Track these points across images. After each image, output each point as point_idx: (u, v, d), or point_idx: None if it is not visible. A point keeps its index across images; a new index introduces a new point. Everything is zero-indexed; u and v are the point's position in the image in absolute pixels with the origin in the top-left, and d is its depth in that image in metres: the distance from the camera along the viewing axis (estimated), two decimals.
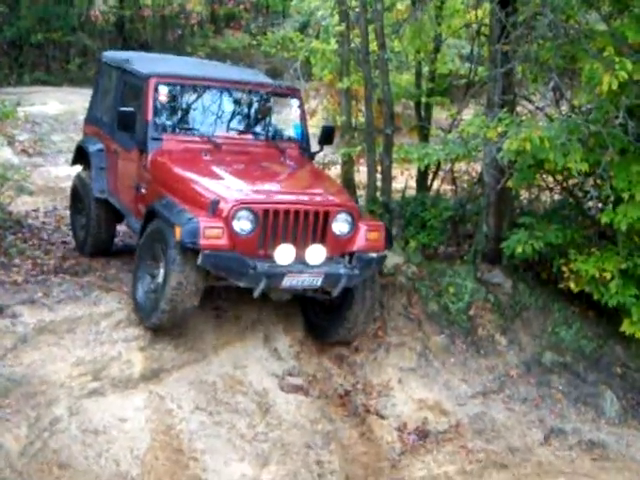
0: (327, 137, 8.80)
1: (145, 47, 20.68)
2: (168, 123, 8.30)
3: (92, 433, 6.78)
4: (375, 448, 7.36)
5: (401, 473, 7.15)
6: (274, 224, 7.20)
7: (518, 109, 9.36)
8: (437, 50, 10.67)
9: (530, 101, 9.43)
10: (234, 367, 7.67)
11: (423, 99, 10.36)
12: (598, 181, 8.63)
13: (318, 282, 7.38)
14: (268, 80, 9.29)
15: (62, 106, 17.05)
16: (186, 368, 7.50)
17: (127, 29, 22.37)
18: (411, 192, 10.53)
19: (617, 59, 7.16)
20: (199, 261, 7.07)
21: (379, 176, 9.82)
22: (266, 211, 7.18)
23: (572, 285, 8.58)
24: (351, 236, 7.50)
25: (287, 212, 7.22)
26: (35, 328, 7.45)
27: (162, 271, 7.41)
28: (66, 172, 12.85)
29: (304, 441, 7.24)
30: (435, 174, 10.48)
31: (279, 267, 7.22)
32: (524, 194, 10.02)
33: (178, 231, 7.05)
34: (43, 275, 8.60)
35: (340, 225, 7.46)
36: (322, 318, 8.18)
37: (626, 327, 8.41)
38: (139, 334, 7.71)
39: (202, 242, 7.00)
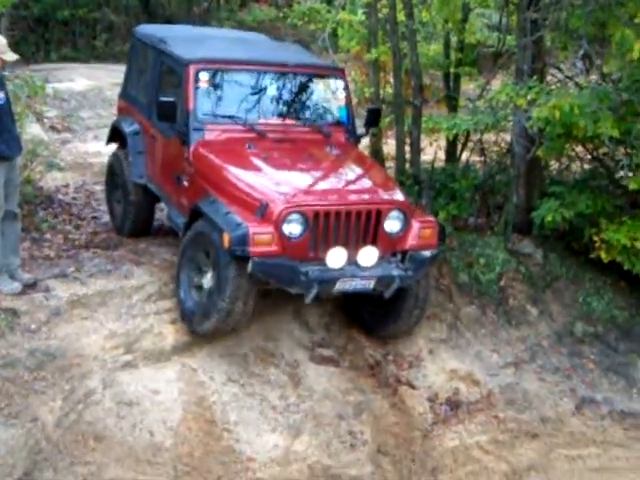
0: (373, 120, 8.54)
1: (170, 21, 20.62)
2: (210, 111, 7.90)
3: (126, 405, 6.84)
4: (407, 418, 7.37)
5: (433, 443, 7.16)
6: (325, 226, 6.95)
7: (547, 78, 9.27)
8: (465, 20, 10.52)
9: (560, 70, 9.34)
10: (265, 340, 7.69)
11: (451, 69, 10.29)
12: (628, 150, 8.59)
13: (371, 285, 7.16)
14: (313, 59, 9.02)
15: (89, 82, 17.06)
16: (218, 341, 7.51)
17: (152, 3, 22.26)
18: (440, 164, 10.47)
19: None
20: (249, 269, 6.83)
21: (408, 148, 9.77)
22: (317, 213, 6.92)
23: (603, 255, 8.55)
24: (403, 234, 7.25)
25: (338, 213, 6.96)
26: (68, 302, 7.49)
27: (210, 276, 7.22)
28: (95, 148, 12.93)
29: (336, 412, 7.27)
30: (464, 145, 10.42)
31: (331, 272, 7.01)
32: (554, 164, 9.96)
33: (227, 238, 6.80)
34: (74, 250, 8.65)
35: (392, 224, 7.20)
36: (371, 312, 7.94)
37: None
38: (170, 307, 7.75)
39: (252, 249, 6.77)
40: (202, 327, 7.27)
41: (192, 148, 7.74)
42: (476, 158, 10.64)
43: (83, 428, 6.58)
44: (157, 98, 8.25)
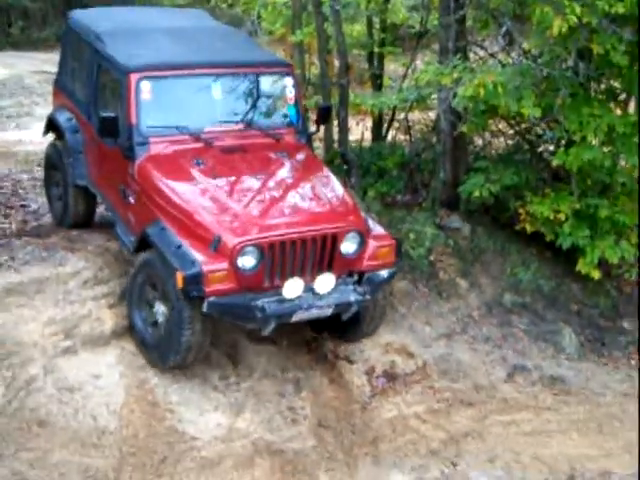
0: (324, 117, 8.37)
1: (89, 5, 20.32)
2: (154, 123, 7.49)
3: (68, 390, 6.87)
4: (345, 392, 7.51)
5: (372, 415, 7.30)
6: (281, 256, 6.76)
7: (470, 56, 9.48)
8: (387, 0, 10.69)
9: (482, 47, 9.57)
10: None
11: (375, 49, 10.45)
12: (550, 124, 8.86)
13: (328, 312, 7.07)
14: (261, 54, 8.62)
15: (7, 71, 16.83)
16: None
17: None
18: (366, 144, 10.63)
19: (567, 3, 7.29)
20: (204, 309, 6.64)
21: (335, 128, 9.90)
22: (272, 244, 6.71)
23: (528, 227, 8.84)
24: (360, 255, 7.11)
25: (294, 242, 6.77)
26: (3, 290, 7.47)
27: (162, 310, 7.02)
28: (17, 137, 12.80)
29: (276, 389, 7.39)
30: (390, 124, 10.60)
31: (288, 303, 6.86)
32: (478, 140, 10.20)
33: (180, 278, 6.53)
34: (6, 238, 8.62)
35: (349, 246, 7.04)
36: (329, 326, 7.78)
37: (581, 267, 8.68)
38: (107, 292, 7.81)
39: (207, 289, 6.55)
40: (168, 362, 7.08)
41: (137, 164, 7.43)
42: (402, 137, 10.84)
43: (26, 415, 6.59)
44: (95, 102, 8.05)
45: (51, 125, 9.17)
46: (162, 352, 7.08)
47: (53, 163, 9.12)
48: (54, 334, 7.27)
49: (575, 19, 7.23)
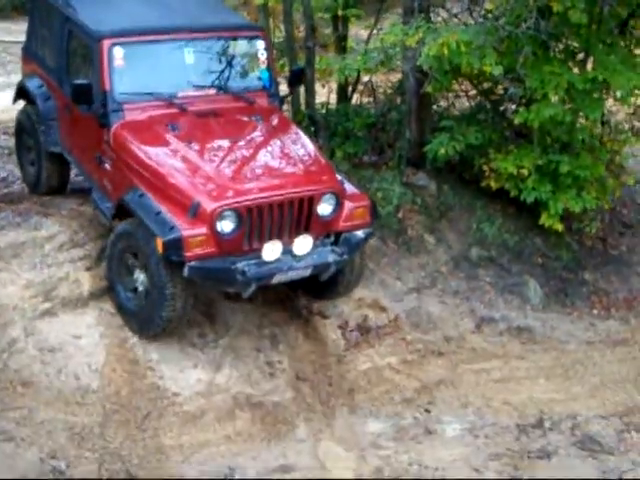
0: (297, 80, 8.54)
1: None
2: (128, 90, 7.52)
3: (49, 351, 7.03)
4: (320, 346, 7.75)
5: (347, 367, 7.55)
6: (259, 220, 6.84)
7: (432, 17, 9.63)
8: None
9: (444, 8, 9.71)
10: None
11: (339, 12, 10.54)
12: (511, 83, 9.04)
13: (307, 273, 7.20)
14: (232, 17, 8.70)
15: None
16: None
17: None
18: (331, 107, 10.75)
19: None
20: (185, 273, 6.71)
21: (302, 90, 10.01)
22: (250, 208, 6.78)
23: (492, 183, 9.07)
24: (336, 216, 7.22)
25: (271, 205, 6.86)
26: None
27: (142, 278, 7.10)
28: None
29: (252, 345, 7.60)
30: (355, 87, 10.73)
31: (267, 266, 6.96)
32: (441, 101, 10.37)
33: (160, 243, 6.62)
34: None
35: (325, 207, 7.15)
36: (306, 285, 7.91)
37: (544, 220, 8.95)
38: (84, 254, 7.94)
39: (187, 254, 6.63)
40: (149, 331, 7.19)
41: (112, 131, 7.45)
42: (365, 100, 10.97)
43: (10, 376, 6.75)
44: (67, 68, 8.04)
45: (21, 92, 9.17)
46: (142, 322, 7.20)
47: (25, 128, 9.13)
48: (33, 297, 7.40)
49: None
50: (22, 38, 18.25)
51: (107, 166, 7.65)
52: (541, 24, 7.77)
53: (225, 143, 7.63)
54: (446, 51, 7.64)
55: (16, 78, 14.88)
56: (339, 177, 7.54)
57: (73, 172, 9.25)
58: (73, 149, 8.45)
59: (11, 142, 11.13)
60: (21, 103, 9.34)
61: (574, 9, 7.88)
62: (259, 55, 8.21)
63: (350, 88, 10.71)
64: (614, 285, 9.28)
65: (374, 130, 9.90)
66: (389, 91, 10.63)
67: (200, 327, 7.64)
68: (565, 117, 8.36)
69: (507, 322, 8.39)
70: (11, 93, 12.04)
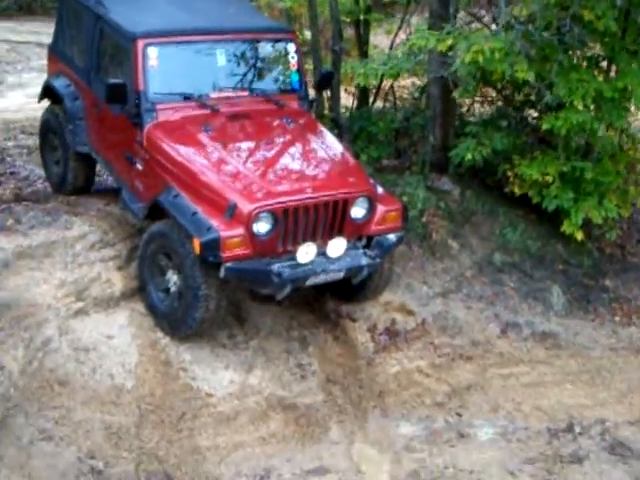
0: (325, 82, 8.58)
1: None
2: (161, 90, 7.56)
3: (83, 351, 7.04)
4: (350, 349, 7.77)
5: (377, 370, 7.57)
6: (294, 221, 6.89)
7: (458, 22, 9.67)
8: None
9: (471, 14, 9.77)
10: None
11: (361, 16, 10.60)
12: (535, 90, 9.10)
13: (340, 276, 7.22)
14: (263, 21, 8.74)
15: None
16: None
17: None
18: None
19: None
20: (222, 274, 6.76)
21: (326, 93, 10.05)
22: (286, 210, 6.84)
23: (516, 189, 9.10)
24: (369, 219, 7.29)
25: (307, 207, 6.90)
26: (14, 253, 7.59)
27: (175, 279, 7.14)
28: None
29: (283, 347, 7.63)
30: (378, 91, 10.78)
31: (302, 268, 7.00)
32: (464, 105, 10.44)
33: (197, 244, 6.65)
34: (4, 204, 8.66)
35: (358, 210, 7.21)
36: (337, 288, 7.88)
37: (566, 227, 8.98)
38: (115, 254, 7.97)
39: (224, 254, 6.67)
40: (181, 331, 7.23)
41: (145, 131, 7.48)
42: (387, 104, 11.03)
43: (46, 375, 6.74)
44: (98, 68, 8.05)
45: (47, 91, 9.16)
46: (173, 322, 7.23)
47: (51, 128, 9.12)
48: (66, 296, 7.41)
49: None
50: (30, 38, 18.54)
51: (139, 166, 7.67)
52: (575, 31, 7.80)
53: (258, 145, 7.68)
54: (481, 58, 7.68)
55: (27, 77, 15.10)
56: (372, 181, 7.57)
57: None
58: (101, 149, 8.46)
59: (30, 141, 11.21)
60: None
61: (605, 17, 7.94)
62: (290, 58, 8.26)
63: (374, 92, 10.75)
64: (634, 292, 9.33)
65: (397, 134, 9.94)
66: (410, 96, 10.67)
67: (230, 328, 7.67)
68: (593, 124, 8.41)
69: (531, 327, 8.42)
70: (23, 92, 12.16)
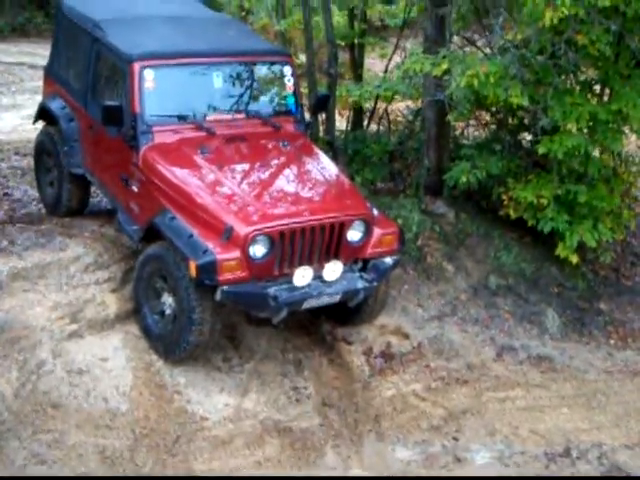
0: (321, 105, 8.59)
1: None
2: (157, 112, 7.55)
3: (77, 373, 6.99)
4: (345, 372, 7.73)
5: (373, 393, 7.52)
6: (291, 244, 6.88)
7: (452, 46, 9.71)
8: None
9: (465, 38, 9.81)
10: None
11: (356, 40, 10.63)
12: (530, 114, 9.13)
13: (337, 299, 7.22)
14: (259, 43, 8.74)
15: None
16: None
17: None
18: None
19: None
20: (218, 297, 6.75)
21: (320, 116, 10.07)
22: (282, 233, 6.83)
23: (512, 212, 9.11)
24: (365, 242, 7.29)
25: (303, 230, 6.90)
26: (8, 275, 7.55)
27: (170, 301, 7.10)
28: None
29: (278, 370, 7.58)
30: (372, 114, 10.81)
31: (298, 291, 6.99)
32: (458, 128, 10.46)
33: (193, 267, 6.62)
34: None
35: (354, 233, 7.22)
36: (332, 311, 7.87)
37: (560, 251, 8.97)
38: (109, 276, 7.92)
39: (220, 277, 6.64)
40: (175, 355, 7.17)
41: (141, 153, 7.47)
42: (381, 127, 11.04)
43: (40, 398, 6.70)
44: (93, 90, 8.04)
45: (42, 113, 9.14)
46: (168, 345, 7.18)
47: (45, 149, 9.11)
48: (60, 318, 7.37)
49: (566, 11, 7.51)
50: (24, 59, 18.56)
51: (134, 188, 7.64)
52: (570, 56, 7.83)
53: (255, 167, 7.68)
54: (476, 82, 7.71)
55: (21, 99, 15.09)
56: (368, 204, 7.57)
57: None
58: (96, 171, 8.43)
59: (24, 162, 11.18)
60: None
61: (599, 42, 7.98)
62: (286, 81, 8.27)
63: (368, 115, 10.78)
64: (629, 315, 9.32)
65: (392, 157, 9.96)
66: (405, 119, 10.70)
67: (224, 351, 7.63)
68: (588, 147, 8.43)
69: (527, 351, 8.39)
70: (17, 113, 12.16)
